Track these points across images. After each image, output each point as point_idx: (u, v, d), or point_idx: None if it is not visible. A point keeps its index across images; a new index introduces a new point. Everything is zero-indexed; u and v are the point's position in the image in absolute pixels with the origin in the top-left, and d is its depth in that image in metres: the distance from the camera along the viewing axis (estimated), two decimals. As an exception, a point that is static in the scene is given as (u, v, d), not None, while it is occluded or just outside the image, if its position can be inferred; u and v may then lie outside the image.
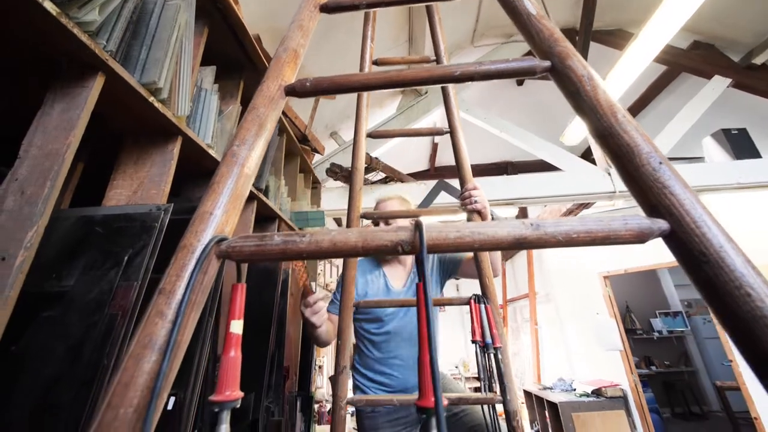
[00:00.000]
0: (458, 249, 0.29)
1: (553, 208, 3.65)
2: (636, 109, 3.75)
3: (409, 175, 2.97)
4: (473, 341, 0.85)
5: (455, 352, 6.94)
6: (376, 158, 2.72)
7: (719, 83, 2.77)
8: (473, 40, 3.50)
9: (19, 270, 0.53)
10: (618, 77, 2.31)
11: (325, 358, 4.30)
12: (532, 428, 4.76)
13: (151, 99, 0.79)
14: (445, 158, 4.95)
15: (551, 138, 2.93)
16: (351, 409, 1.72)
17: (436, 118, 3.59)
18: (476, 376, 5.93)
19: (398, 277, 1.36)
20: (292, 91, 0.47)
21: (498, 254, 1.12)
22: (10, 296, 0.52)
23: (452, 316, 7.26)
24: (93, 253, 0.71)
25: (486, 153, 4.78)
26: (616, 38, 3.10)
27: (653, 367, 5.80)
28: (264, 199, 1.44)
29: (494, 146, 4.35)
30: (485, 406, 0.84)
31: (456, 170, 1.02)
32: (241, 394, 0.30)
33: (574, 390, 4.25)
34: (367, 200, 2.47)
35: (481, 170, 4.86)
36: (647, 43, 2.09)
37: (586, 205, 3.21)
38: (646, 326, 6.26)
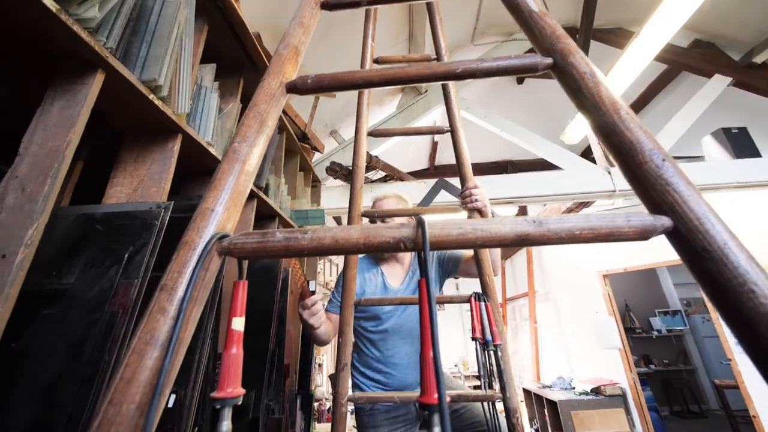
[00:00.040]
0: (461, 246, 0.29)
1: (552, 207, 3.65)
2: (636, 108, 3.74)
3: (408, 173, 2.96)
4: (473, 338, 0.85)
5: (455, 351, 6.95)
6: (376, 157, 2.72)
7: (719, 82, 2.77)
8: (473, 39, 3.49)
9: (20, 267, 0.53)
10: (618, 76, 2.31)
11: (324, 357, 4.30)
12: (531, 426, 4.77)
13: (151, 96, 0.78)
14: (445, 157, 4.95)
15: (551, 137, 2.93)
16: (350, 407, 1.72)
17: (435, 116, 3.58)
18: (476, 374, 5.95)
19: (396, 275, 1.36)
20: (293, 88, 0.46)
21: (497, 252, 1.12)
22: (11, 294, 0.52)
23: (452, 315, 7.28)
24: (93, 251, 0.71)
25: (486, 152, 4.78)
26: (617, 37, 3.09)
27: (652, 366, 5.82)
28: (264, 197, 1.43)
29: (494, 145, 4.35)
30: (485, 403, 0.84)
31: (456, 169, 1.02)
32: (242, 391, 0.30)
33: (574, 388, 4.26)
34: (366, 199, 2.47)
35: (481, 169, 4.86)
36: (648, 42, 2.08)
37: (585, 204, 3.21)
38: (645, 325, 6.28)
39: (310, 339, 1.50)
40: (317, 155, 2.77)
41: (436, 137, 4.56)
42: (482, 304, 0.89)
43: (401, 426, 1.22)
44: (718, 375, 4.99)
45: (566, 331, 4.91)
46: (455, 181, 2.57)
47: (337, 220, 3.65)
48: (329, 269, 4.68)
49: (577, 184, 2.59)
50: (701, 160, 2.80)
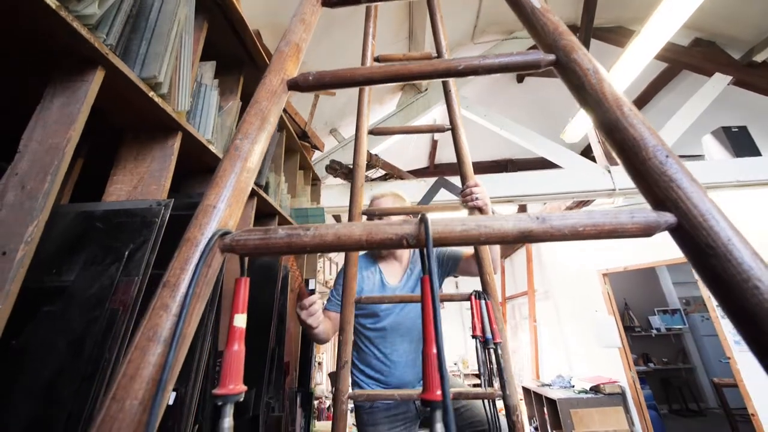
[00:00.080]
0: (464, 242, 0.29)
1: (552, 206, 3.65)
2: (636, 106, 3.73)
3: (408, 172, 2.96)
4: (474, 336, 0.85)
5: (454, 350, 6.97)
6: (376, 155, 2.72)
7: (720, 81, 2.77)
8: (473, 37, 3.48)
9: (20, 264, 0.53)
10: (619, 74, 2.31)
11: (324, 355, 4.31)
12: (530, 424, 4.78)
13: (151, 94, 0.78)
14: (445, 156, 4.95)
15: (551, 135, 2.93)
16: (350, 405, 1.73)
17: (435, 115, 3.58)
18: (475, 372, 5.97)
19: (394, 273, 1.36)
20: (294, 85, 0.46)
21: (497, 251, 1.12)
22: (11, 291, 0.52)
23: (451, 313, 7.29)
24: (93, 249, 0.70)
25: (486, 151, 4.78)
26: (617, 35, 3.09)
27: (651, 364, 5.83)
28: (264, 195, 1.43)
29: (494, 144, 4.35)
30: (486, 402, 0.84)
31: (456, 167, 1.02)
32: (244, 387, 0.30)
33: (573, 387, 4.28)
34: (365, 197, 2.47)
35: (481, 168, 4.86)
36: (648, 41, 2.08)
37: (585, 203, 3.21)
38: (644, 324, 6.30)
39: (309, 337, 1.50)
40: (317, 153, 2.77)
41: (436, 136, 4.56)
42: (482, 302, 0.89)
43: (401, 424, 1.22)
44: (717, 373, 5.01)
45: (566, 329, 4.92)
46: (455, 180, 2.57)
47: (337, 218, 3.65)
48: (329, 268, 4.68)
49: (577, 183, 2.59)
50: (701, 159, 2.81)
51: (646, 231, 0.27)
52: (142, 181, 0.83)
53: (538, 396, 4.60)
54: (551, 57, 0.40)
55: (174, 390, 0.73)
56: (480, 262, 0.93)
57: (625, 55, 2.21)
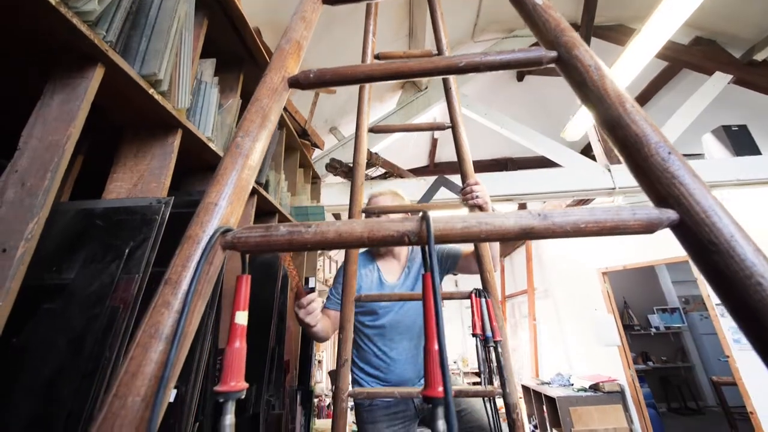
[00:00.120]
0: (465, 239, 0.29)
1: (552, 204, 3.65)
2: (636, 105, 3.73)
3: (408, 170, 2.96)
4: (474, 334, 0.85)
5: (454, 348, 6.98)
6: (376, 154, 2.72)
7: (720, 79, 2.77)
8: (474, 35, 3.48)
9: (20, 262, 0.52)
10: (619, 73, 2.31)
11: (324, 353, 4.32)
12: (529, 422, 4.80)
13: (151, 91, 0.78)
14: (445, 154, 4.94)
15: (551, 134, 2.93)
16: (350, 402, 1.73)
17: (435, 113, 3.57)
18: (475, 371, 5.98)
19: (392, 271, 1.36)
20: (295, 82, 0.46)
21: (497, 249, 1.12)
22: (12, 288, 0.52)
23: (451, 311, 7.30)
24: (93, 246, 0.70)
25: (486, 149, 4.77)
26: (618, 34, 3.08)
27: (650, 363, 5.85)
28: (264, 193, 1.43)
29: (494, 142, 4.35)
30: (487, 404, 0.84)
31: (456, 166, 1.02)
32: (246, 384, 0.30)
33: (572, 385, 4.29)
34: (365, 196, 2.47)
35: (481, 167, 4.85)
36: (649, 39, 2.08)
37: (585, 202, 3.21)
38: (643, 322, 6.31)
39: (308, 336, 1.50)
40: (317, 152, 2.77)
41: (436, 134, 4.56)
42: (483, 300, 0.89)
43: (400, 422, 1.22)
44: (716, 372, 5.02)
45: (565, 328, 4.93)
46: (455, 179, 2.56)
47: (337, 217, 3.65)
48: (329, 266, 4.68)
49: (576, 182, 2.59)
50: (701, 158, 2.81)
51: (648, 228, 0.27)
52: (143, 179, 0.83)
53: (538, 394, 4.61)
54: (553, 54, 0.40)
55: (175, 388, 0.73)
56: (480, 259, 0.93)
57: (625, 53, 2.21)
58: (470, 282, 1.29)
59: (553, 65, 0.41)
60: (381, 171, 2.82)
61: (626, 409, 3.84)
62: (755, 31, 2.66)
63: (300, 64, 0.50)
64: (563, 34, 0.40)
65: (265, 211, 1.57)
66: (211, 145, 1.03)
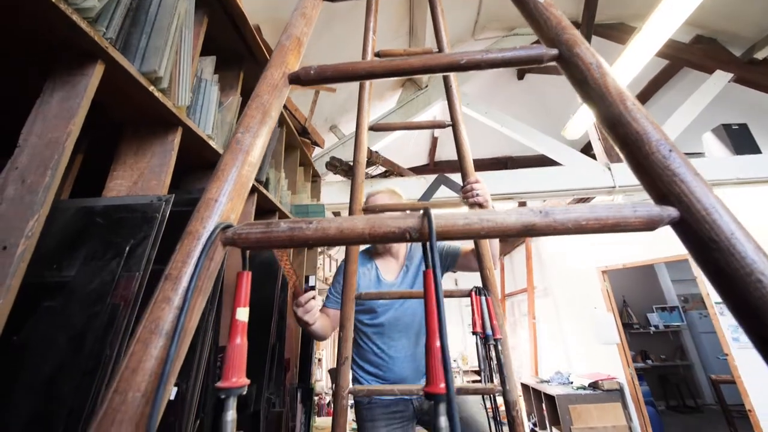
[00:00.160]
0: (466, 236, 0.29)
1: (552, 203, 3.65)
2: (636, 103, 3.72)
3: (408, 169, 2.96)
4: (474, 333, 0.85)
5: (454, 346, 6.99)
6: (376, 152, 2.71)
7: (720, 78, 2.76)
8: (474, 33, 3.47)
9: (21, 259, 0.52)
10: (620, 72, 2.30)
11: (324, 352, 4.32)
12: (529, 420, 4.81)
13: (152, 88, 0.78)
14: (445, 153, 4.94)
15: (552, 133, 2.92)
16: (350, 401, 1.74)
17: (436, 112, 3.57)
18: (475, 369, 5.99)
19: (390, 269, 1.36)
20: (296, 78, 0.46)
21: (497, 247, 1.12)
22: (12, 285, 0.52)
23: (451, 310, 7.30)
24: (94, 244, 0.70)
25: (486, 148, 4.77)
26: (618, 32, 3.08)
27: (649, 361, 5.86)
28: (264, 191, 1.43)
29: (494, 141, 4.35)
30: (487, 402, 0.84)
31: (456, 165, 1.02)
32: (247, 381, 0.30)
33: (572, 383, 4.30)
34: (364, 194, 2.47)
35: (481, 165, 4.84)
36: (650, 38, 2.07)
37: (585, 201, 3.21)
38: (642, 321, 6.32)
39: (307, 334, 1.50)
40: (317, 150, 2.76)
41: (436, 133, 4.55)
42: (483, 298, 0.89)
43: (398, 422, 1.22)
44: (715, 370, 5.03)
45: (564, 326, 4.93)
46: (455, 177, 2.56)
47: (337, 215, 3.65)
48: (329, 264, 4.69)
49: (577, 180, 2.59)
50: (701, 157, 2.80)
51: (649, 225, 0.27)
52: (143, 177, 0.83)
53: (537, 392, 4.62)
54: (554, 51, 0.40)
55: (175, 386, 0.73)
56: (480, 257, 0.93)
57: (626, 51, 2.20)
58: (470, 280, 1.29)
59: (554, 63, 0.41)
60: (381, 169, 2.81)
61: (625, 407, 3.85)
62: (756, 29, 2.65)
63: (300, 61, 0.50)
64: (564, 32, 0.40)
65: (265, 210, 1.57)
66: (212, 143, 1.03)
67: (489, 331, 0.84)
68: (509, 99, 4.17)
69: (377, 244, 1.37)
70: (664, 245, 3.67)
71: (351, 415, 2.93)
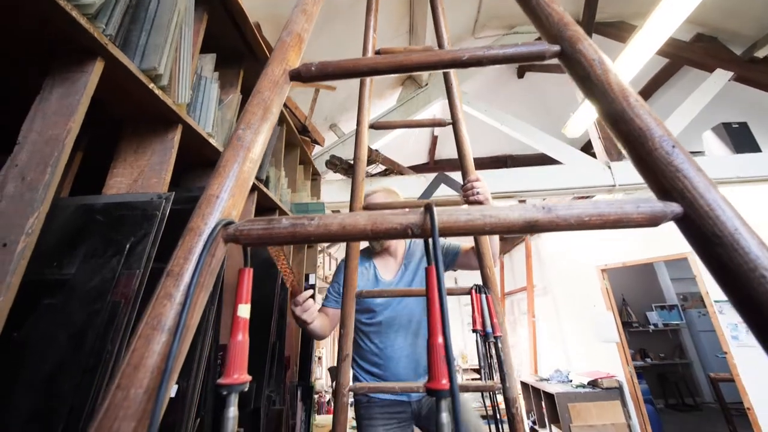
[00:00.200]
0: (468, 232, 0.29)
1: (552, 201, 3.65)
2: (637, 102, 3.72)
3: (408, 168, 2.95)
4: (474, 330, 0.86)
5: (453, 345, 6.97)
6: (377, 151, 2.71)
7: (721, 77, 2.76)
8: (474, 32, 3.46)
9: (21, 256, 0.52)
10: (620, 70, 2.30)
11: (324, 350, 4.33)
12: (528, 418, 4.82)
13: (151, 86, 0.78)
14: (445, 152, 4.94)
15: (552, 131, 2.92)
16: (350, 398, 1.74)
17: (435, 110, 3.56)
18: (474, 367, 6.00)
19: (388, 269, 1.36)
20: (297, 75, 0.46)
21: (497, 245, 1.12)
22: (12, 283, 0.52)
23: (450, 308, 7.25)
24: (94, 242, 0.70)
25: (486, 147, 4.77)
26: (619, 30, 3.07)
27: (648, 359, 5.88)
28: (264, 189, 1.43)
29: (494, 140, 4.34)
30: (486, 396, 0.84)
31: (456, 163, 1.02)
32: (248, 377, 0.30)
33: (571, 381, 4.31)
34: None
35: (480, 164, 4.83)
36: (650, 36, 2.07)
37: (585, 199, 3.21)
38: (642, 319, 6.34)
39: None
40: (317, 148, 2.76)
41: (436, 132, 4.55)
42: (483, 296, 0.89)
43: (395, 423, 1.22)
44: (714, 368, 5.04)
45: (564, 325, 4.94)
46: (455, 176, 2.56)
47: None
48: (329, 263, 4.69)
49: (577, 179, 2.59)
50: (701, 155, 2.80)
51: (652, 221, 0.27)
52: (143, 175, 0.83)
53: (536, 390, 4.63)
54: (556, 48, 0.40)
55: (175, 383, 0.73)
56: (480, 255, 0.93)
57: (626, 50, 2.20)
58: (470, 278, 1.29)
59: (556, 59, 0.41)
60: (381, 168, 2.81)
61: (624, 405, 3.86)
62: (757, 27, 2.65)
63: (301, 57, 0.50)
64: (567, 28, 0.40)
65: (265, 208, 1.57)
66: (212, 141, 1.03)
67: (489, 329, 0.84)
68: (509, 97, 4.17)
69: (375, 244, 1.37)
70: (664, 244, 3.67)
71: (351, 412, 2.94)
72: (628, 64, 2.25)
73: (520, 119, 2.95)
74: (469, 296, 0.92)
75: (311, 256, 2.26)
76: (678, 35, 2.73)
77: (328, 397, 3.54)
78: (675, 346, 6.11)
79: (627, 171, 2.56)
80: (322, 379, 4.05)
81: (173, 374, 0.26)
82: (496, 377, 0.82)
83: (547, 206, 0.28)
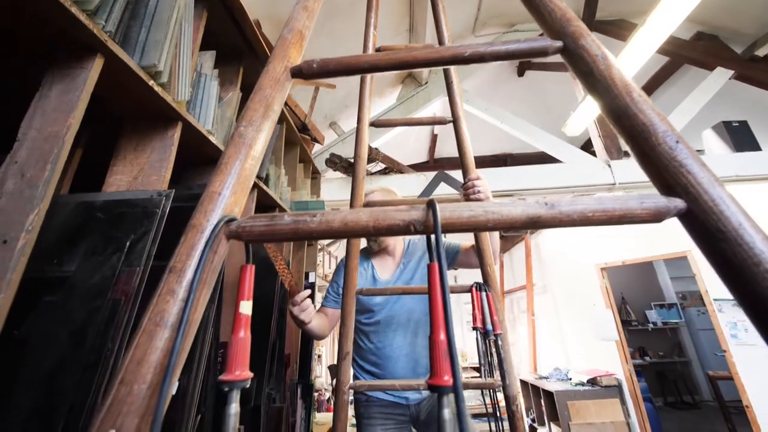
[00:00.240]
0: (471, 228, 0.29)
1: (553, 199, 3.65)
2: (637, 101, 3.72)
3: (408, 166, 2.95)
4: (474, 328, 0.86)
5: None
6: (376, 149, 2.71)
7: (721, 75, 2.76)
8: (474, 30, 3.45)
9: (21, 253, 0.52)
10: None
11: (323, 348, 4.33)
12: (527, 416, 4.84)
13: (151, 83, 0.77)
14: (445, 150, 4.94)
15: (552, 130, 2.92)
16: (350, 396, 1.74)
17: (436, 108, 3.56)
18: (474, 366, 6.01)
19: (387, 268, 1.36)
20: (298, 72, 0.46)
21: (497, 242, 1.12)
22: (13, 280, 0.51)
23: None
24: (94, 239, 0.70)
25: (486, 145, 4.77)
26: (619, 29, 3.07)
27: (647, 358, 5.89)
28: (264, 187, 1.43)
29: (494, 138, 4.34)
30: (486, 393, 0.85)
31: (456, 162, 1.02)
32: (250, 374, 0.30)
33: (570, 379, 4.31)
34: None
35: (480, 162, 4.83)
36: (651, 34, 2.06)
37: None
38: (641, 318, 6.35)
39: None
40: (317, 147, 2.76)
41: (436, 130, 4.54)
42: (483, 293, 0.89)
43: (393, 425, 1.22)
44: (713, 367, 5.06)
45: (563, 323, 4.95)
46: (455, 174, 2.56)
47: (337, 212, 3.64)
48: (328, 261, 4.69)
49: (577, 177, 2.59)
50: (701, 154, 2.80)
51: (656, 216, 0.27)
52: (143, 172, 0.83)
53: (536, 388, 4.64)
54: (559, 44, 0.40)
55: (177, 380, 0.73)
56: (481, 253, 0.93)
57: (627, 48, 2.19)
58: (470, 278, 1.29)
59: (558, 55, 0.41)
60: (381, 166, 2.81)
61: (623, 403, 3.87)
62: (757, 26, 2.65)
63: (302, 54, 0.50)
64: (569, 24, 0.40)
65: (265, 206, 1.56)
66: (212, 138, 1.03)
67: (489, 327, 0.84)
68: (509, 96, 4.17)
69: (373, 244, 1.37)
70: (664, 242, 3.68)
71: (351, 411, 2.95)
72: (628, 62, 2.25)
73: (520, 117, 2.94)
74: (468, 295, 0.92)
75: (311, 254, 2.26)
76: (678, 33, 2.73)
77: (327, 395, 3.55)
78: (674, 345, 6.13)
79: (627, 169, 2.56)
80: (322, 377, 4.06)
81: (176, 370, 0.26)
82: (496, 375, 0.82)
83: (550, 202, 0.28)
